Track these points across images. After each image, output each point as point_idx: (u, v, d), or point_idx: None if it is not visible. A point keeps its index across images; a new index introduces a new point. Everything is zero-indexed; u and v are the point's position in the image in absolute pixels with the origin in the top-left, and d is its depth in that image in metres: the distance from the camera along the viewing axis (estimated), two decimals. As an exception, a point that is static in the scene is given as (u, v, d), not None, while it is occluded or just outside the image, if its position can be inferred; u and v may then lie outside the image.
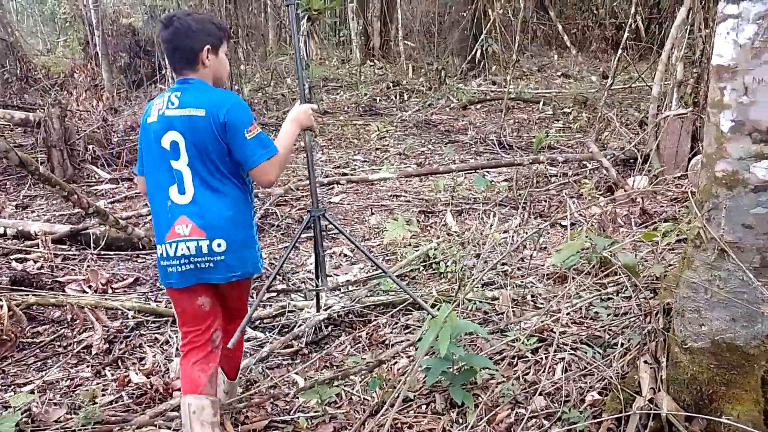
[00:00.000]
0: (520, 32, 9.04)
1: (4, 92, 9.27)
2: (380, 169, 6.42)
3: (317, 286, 2.63)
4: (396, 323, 3.21)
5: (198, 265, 2.01)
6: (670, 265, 3.15)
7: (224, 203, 2.03)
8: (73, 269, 3.99)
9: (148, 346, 3.07)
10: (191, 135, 1.98)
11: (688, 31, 5.56)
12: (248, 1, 11.20)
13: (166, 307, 3.42)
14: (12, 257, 4.11)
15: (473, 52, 11.33)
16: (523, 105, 9.71)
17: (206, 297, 2.10)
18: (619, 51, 6.67)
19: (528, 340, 2.77)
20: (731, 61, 1.76)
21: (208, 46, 2.05)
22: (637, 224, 4.36)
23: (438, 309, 2.60)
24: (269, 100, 10.07)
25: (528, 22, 12.52)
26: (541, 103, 9.31)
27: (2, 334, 2.82)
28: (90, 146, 6.53)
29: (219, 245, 2.00)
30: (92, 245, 4.22)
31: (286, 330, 3.23)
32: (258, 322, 3.35)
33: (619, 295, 3.20)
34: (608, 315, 3.03)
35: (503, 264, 3.81)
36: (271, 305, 3.50)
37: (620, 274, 3.24)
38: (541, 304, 3.27)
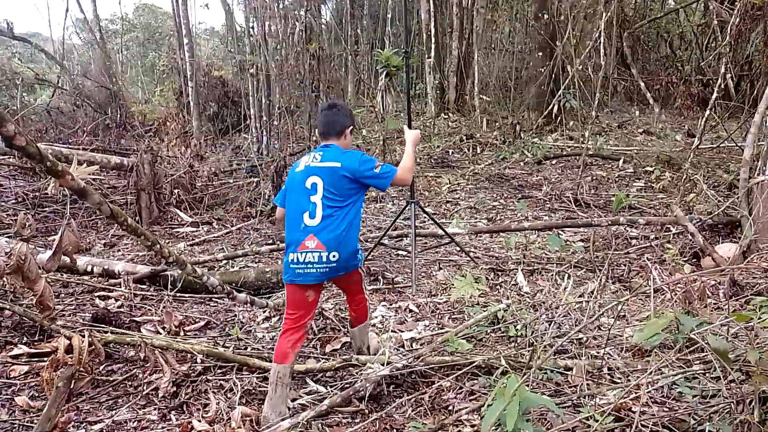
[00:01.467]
0: (600, 88, 8.89)
1: (104, 137, 10.07)
2: (450, 223, 6.37)
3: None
4: (461, 388, 3.09)
5: (318, 269, 2.87)
6: (765, 345, 2.87)
7: (340, 226, 2.88)
8: (149, 309, 4.16)
9: (213, 392, 3.11)
10: (327, 178, 2.91)
11: (784, 91, 5.26)
12: (330, 57, 11.73)
13: (233, 352, 3.47)
14: (96, 294, 4.35)
15: (550, 107, 11.20)
16: (601, 162, 9.42)
17: (313, 292, 2.96)
18: (708, 109, 6.39)
19: (603, 419, 2.57)
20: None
21: (351, 126, 3.14)
22: (726, 296, 4.05)
23: (507, 378, 2.48)
24: (345, 151, 10.32)
25: (608, 77, 12.30)
26: (621, 160, 9.00)
27: (81, 368, 2.93)
28: (176, 190, 6.92)
29: (334, 255, 2.87)
30: (169, 287, 4.41)
31: (348, 387, 3.18)
32: (321, 375, 3.32)
33: (707, 375, 2.94)
34: (694, 397, 2.78)
35: (578, 331, 3.61)
36: (334, 358, 3.48)
37: (707, 351, 2.99)
38: (619, 378, 3.06)
